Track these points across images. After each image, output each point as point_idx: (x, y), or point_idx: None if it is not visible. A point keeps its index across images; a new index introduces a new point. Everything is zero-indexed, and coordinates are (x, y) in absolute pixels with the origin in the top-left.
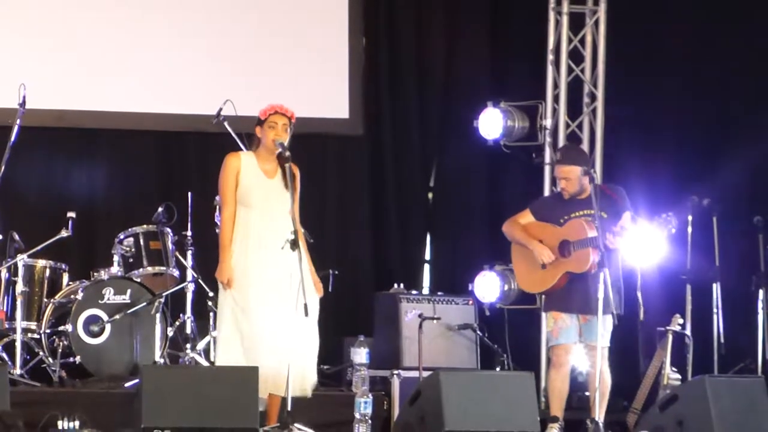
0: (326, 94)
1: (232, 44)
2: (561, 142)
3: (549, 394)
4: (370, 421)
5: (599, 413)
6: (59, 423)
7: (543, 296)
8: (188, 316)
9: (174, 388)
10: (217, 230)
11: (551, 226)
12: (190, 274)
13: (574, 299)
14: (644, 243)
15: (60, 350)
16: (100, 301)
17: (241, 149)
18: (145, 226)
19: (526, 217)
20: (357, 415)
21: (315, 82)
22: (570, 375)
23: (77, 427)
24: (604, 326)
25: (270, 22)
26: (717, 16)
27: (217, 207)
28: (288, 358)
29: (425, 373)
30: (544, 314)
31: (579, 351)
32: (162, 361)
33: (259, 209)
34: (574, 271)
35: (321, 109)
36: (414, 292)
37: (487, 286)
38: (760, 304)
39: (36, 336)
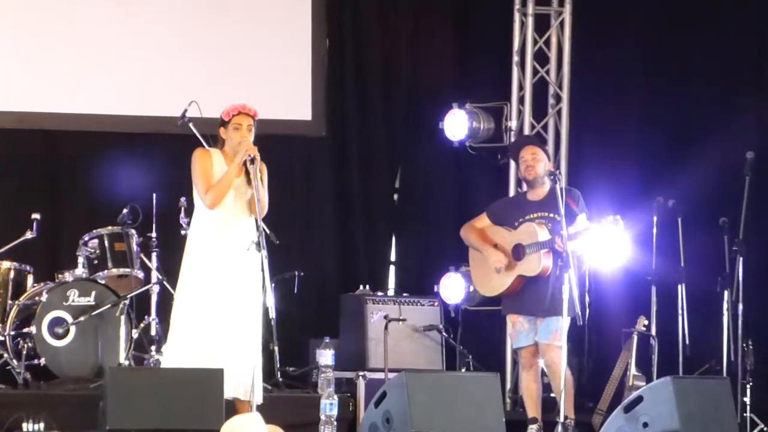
0: (289, 95)
1: (196, 46)
2: None
3: (523, 396)
4: (335, 423)
5: (566, 411)
6: (24, 425)
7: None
8: (153, 318)
9: (139, 389)
10: (182, 231)
11: (505, 230)
12: (154, 275)
13: (527, 301)
14: (608, 245)
15: (24, 352)
16: (64, 303)
17: None
18: (109, 227)
19: (483, 221)
20: (322, 417)
21: (278, 84)
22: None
23: (42, 429)
24: (558, 325)
25: (234, 24)
26: (679, 19)
27: (182, 208)
28: (251, 359)
29: (391, 375)
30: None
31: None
32: (127, 363)
33: (225, 209)
34: (526, 274)
35: (284, 111)
36: (379, 293)
37: (453, 288)
38: (725, 305)
39: (0, 338)
